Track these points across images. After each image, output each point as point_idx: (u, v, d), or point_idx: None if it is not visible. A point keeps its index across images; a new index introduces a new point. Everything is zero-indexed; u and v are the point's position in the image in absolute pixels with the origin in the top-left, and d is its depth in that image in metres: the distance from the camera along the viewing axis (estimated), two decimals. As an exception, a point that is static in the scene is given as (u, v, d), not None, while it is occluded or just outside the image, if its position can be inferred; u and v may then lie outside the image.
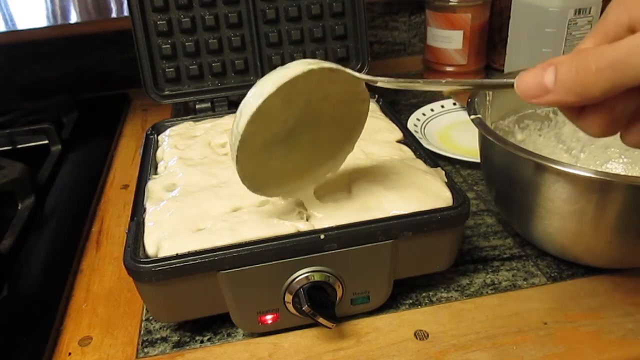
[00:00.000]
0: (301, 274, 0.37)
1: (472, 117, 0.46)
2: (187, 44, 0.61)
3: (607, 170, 0.52)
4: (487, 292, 0.43)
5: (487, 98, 0.50)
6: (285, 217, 0.39)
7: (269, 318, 0.39)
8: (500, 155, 0.44)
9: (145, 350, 0.40)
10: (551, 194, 0.40)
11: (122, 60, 0.90)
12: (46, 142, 0.69)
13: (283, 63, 0.64)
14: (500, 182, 0.46)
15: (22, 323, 0.42)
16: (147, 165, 0.49)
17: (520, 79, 0.29)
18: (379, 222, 0.38)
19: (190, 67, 0.62)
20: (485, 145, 0.47)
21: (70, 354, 0.41)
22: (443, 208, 0.39)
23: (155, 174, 0.49)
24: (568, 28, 0.67)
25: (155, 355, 0.40)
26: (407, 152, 0.48)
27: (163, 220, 0.40)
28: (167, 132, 0.55)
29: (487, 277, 0.45)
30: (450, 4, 0.78)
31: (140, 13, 0.59)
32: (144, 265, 0.36)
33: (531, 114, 0.54)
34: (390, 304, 0.42)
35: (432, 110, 0.73)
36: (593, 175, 0.37)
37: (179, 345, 0.41)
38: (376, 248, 0.38)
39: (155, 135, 0.55)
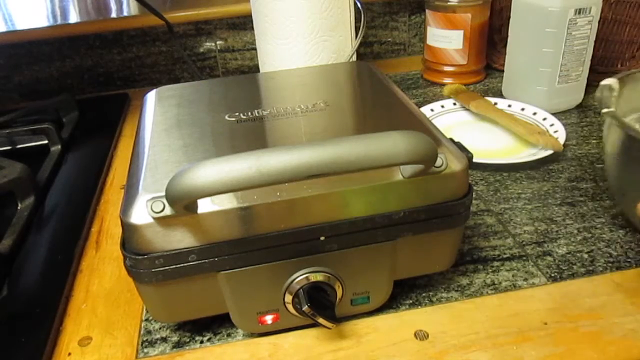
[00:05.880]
0: (301, 274, 0.37)
1: (605, 110, 0.45)
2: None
3: None
4: (487, 292, 0.43)
5: (614, 93, 0.49)
6: None
7: (269, 318, 0.39)
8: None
9: (145, 350, 0.40)
10: None
11: (122, 60, 0.90)
12: (46, 142, 0.69)
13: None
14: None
15: (22, 323, 0.42)
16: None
17: None
18: (379, 222, 0.38)
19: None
20: (621, 139, 0.46)
21: (70, 354, 0.41)
22: (443, 208, 0.39)
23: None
24: (568, 28, 0.67)
25: (155, 355, 0.40)
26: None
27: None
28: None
29: (487, 277, 0.45)
30: (450, 4, 0.78)
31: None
32: (143, 266, 0.36)
33: None
34: (390, 304, 0.42)
35: (432, 110, 0.73)
36: None
37: (178, 345, 0.41)
38: (376, 248, 0.38)
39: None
